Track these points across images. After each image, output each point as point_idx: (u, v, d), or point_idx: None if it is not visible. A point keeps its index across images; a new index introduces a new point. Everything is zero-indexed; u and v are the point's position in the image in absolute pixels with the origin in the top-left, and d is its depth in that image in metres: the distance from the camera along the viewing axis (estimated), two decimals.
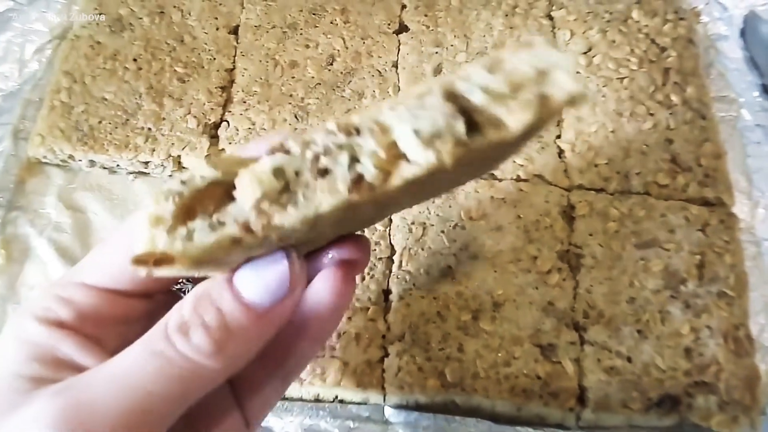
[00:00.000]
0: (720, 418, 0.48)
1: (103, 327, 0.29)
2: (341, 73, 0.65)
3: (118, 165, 0.61)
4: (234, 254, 0.24)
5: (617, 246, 0.53)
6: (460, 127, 0.21)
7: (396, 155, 0.22)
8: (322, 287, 0.30)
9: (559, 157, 0.58)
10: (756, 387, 0.49)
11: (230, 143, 0.60)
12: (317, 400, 0.51)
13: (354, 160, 0.22)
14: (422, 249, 0.55)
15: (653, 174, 0.56)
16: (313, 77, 0.64)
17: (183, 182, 0.23)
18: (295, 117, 0.62)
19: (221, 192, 0.23)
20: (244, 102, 0.63)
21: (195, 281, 0.27)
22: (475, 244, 0.55)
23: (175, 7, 0.68)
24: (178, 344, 0.24)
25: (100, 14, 0.67)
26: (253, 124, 0.61)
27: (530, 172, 0.58)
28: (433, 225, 0.56)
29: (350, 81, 0.64)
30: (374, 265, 0.54)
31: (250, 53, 0.66)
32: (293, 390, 0.50)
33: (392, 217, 0.57)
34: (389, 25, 0.67)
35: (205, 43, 0.66)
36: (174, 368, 0.24)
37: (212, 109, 0.62)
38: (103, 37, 0.66)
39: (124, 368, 0.24)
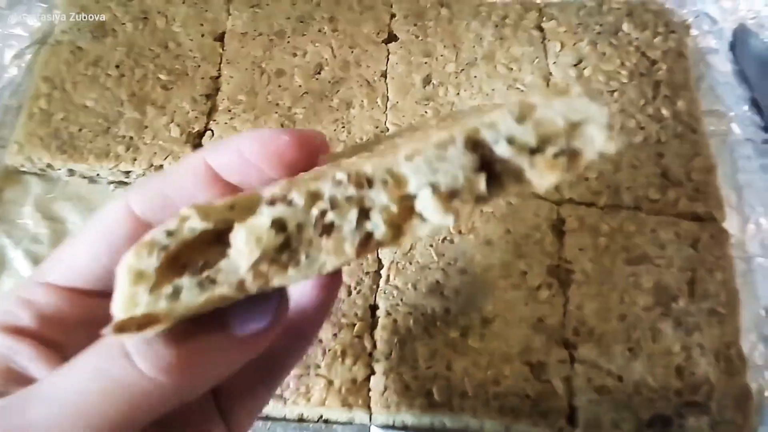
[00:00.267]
0: None
1: (68, 331, 0.26)
2: (329, 82, 0.63)
3: (98, 174, 0.60)
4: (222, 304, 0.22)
5: (608, 261, 0.53)
6: (482, 185, 0.20)
7: (409, 209, 0.20)
8: (308, 282, 0.28)
9: None
10: (747, 406, 0.48)
11: None
12: (301, 419, 0.50)
13: (362, 213, 0.20)
14: (410, 263, 0.54)
15: (644, 188, 0.56)
16: (300, 86, 0.63)
17: (170, 234, 0.20)
18: (282, 126, 0.61)
19: (211, 236, 0.21)
20: (230, 111, 0.61)
21: None
22: (464, 259, 0.54)
23: (159, 12, 0.66)
24: (131, 358, 0.21)
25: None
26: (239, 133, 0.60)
27: None
28: (421, 239, 0.55)
29: (338, 90, 0.63)
30: (361, 279, 0.53)
31: (236, 61, 0.64)
32: (276, 409, 0.49)
33: None
34: (378, 34, 0.66)
35: (190, 50, 0.65)
36: (124, 387, 0.21)
37: (196, 117, 0.61)
38: (84, 42, 0.64)
39: (64, 387, 0.21)
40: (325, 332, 0.50)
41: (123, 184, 0.61)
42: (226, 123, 0.61)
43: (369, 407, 0.49)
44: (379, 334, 0.50)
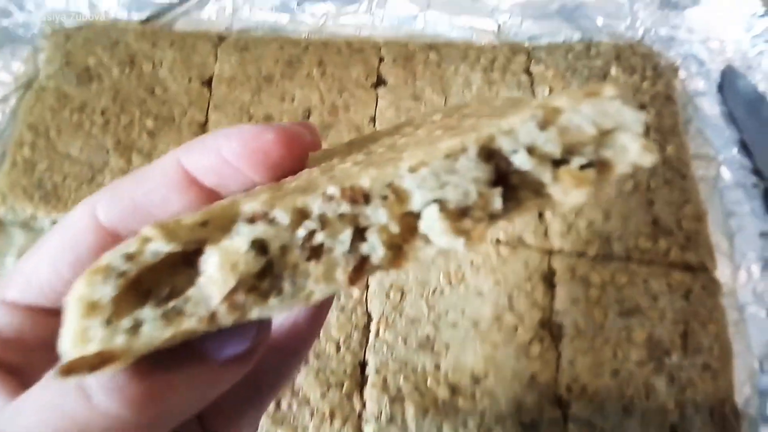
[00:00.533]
0: None
1: (28, 353, 0.23)
2: (318, 127, 0.63)
3: None
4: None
5: (599, 314, 0.52)
6: (497, 203, 0.17)
7: (411, 228, 0.17)
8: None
9: (540, 218, 0.57)
10: None
11: None
12: None
13: (357, 233, 0.17)
14: (400, 316, 0.53)
15: (634, 238, 0.55)
16: None
17: (129, 257, 0.17)
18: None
19: (180, 257, 0.18)
20: None
21: None
22: (455, 312, 0.53)
23: (146, 57, 0.66)
24: (88, 392, 0.18)
25: (67, 63, 0.65)
26: None
27: (510, 235, 0.56)
28: (411, 290, 0.54)
29: (327, 135, 0.62)
30: (350, 334, 0.52)
31: (224, 106, 0.64)
32: None
33: (369, 281, 0.55)
34: (367, 78, 0.66)
35: (177, 95, 0.64)
36: (81, 426, 0.18)
37: None
38: (70, 88, 0.63)
39: (15, 427, 0.18)
40: (314, 391, 0.50)
41: None
42: None
43: None
44: (369, 392, 0.49)
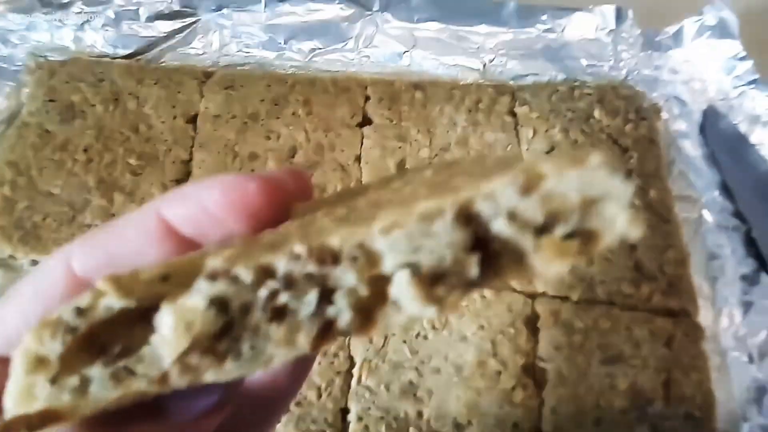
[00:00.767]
0: None
1: None
2: (303, 166, 0.63)
3: None
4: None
5: (583, 361, 0.52)
6: (474, 270, 0.16)
7: (382, 292, 0.17)
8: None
9: None
10: None
11: None
12: None
13: (325, 295, 0.17)
14: (383, 361, 0.53)
15: (617, 283, 0.55)
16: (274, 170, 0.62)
17: (80, 311, 0.16)
18: None
19: (136, 314, 0.17)
20: None
21: None
22: (438, 357, 0.52)
23: (130, 94, 0.66)
24: None
25: (51, 99, 0.65)
26: None
27: None
28: (394, 334, 0.54)
29: (312, 175, 0.62)
30: (332, 380, 0.52)
31: (209, 144, 0.64)
32: None
33: None
34: (352, 117, 0.66)
35: (161, 133, 0.64)
36: None
37: None
38: (52, 125, 0.63)
39: None
40: None
41: None
42: None
43: None
44: None
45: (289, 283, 0.17)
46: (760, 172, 0.64)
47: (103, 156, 0.62)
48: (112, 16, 0.72)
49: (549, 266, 0.16)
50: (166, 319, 0.16)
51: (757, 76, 0.69)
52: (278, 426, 0.49)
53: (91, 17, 0.71)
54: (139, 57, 0.71)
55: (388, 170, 0.62)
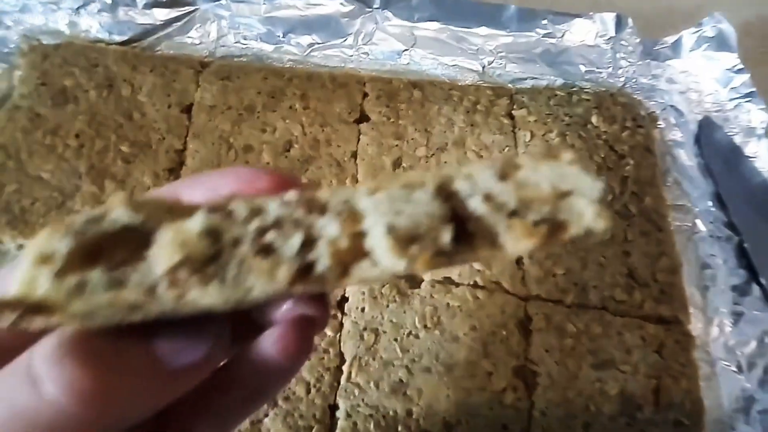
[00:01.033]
0: None
1: None
2: (298, 160, 0.62)
3: None
4: (136, 316, 0.19)
5: (573, 365, 0.52)
6: (446, 237, 0.18)
7: (359, 248, 0.18)
8: (273, 349, 0.24)
9: (518, 264, 0.57)
10: None
11: None
12: None
13: (307, 243, 0.18)
14: (373, 359, 0.52)
15: (610, 288, 0.55)
16: (268, 163, 0.62)
17: (90, 221, 0.18)
18: None
19: (140, 238, 0.19)
20: None
21: None
22: (429, 356, 0.52)
23: (125, 80, 0.65)
24: (38, 384, 0.18)
25: (43, 83, 0.63)
26: None
27: (488, 278, 0.56)
28: (386, 332, 0.53)
29: (307, 170, 0.62)
30: (321, 376, 0.51)
31: (203, 134, 0.63)
32: None
33: (343, 321, 0.54)
34: (350, 113, 0.65)
35: (155, 122, 0.63)
36: (29, 420, 0.18)
37: None
38: (44, 109, 0.62)
39: None
40: None
41: None
42: None
43: None
44: None
45: (278, 224, 0.18)
46: (753, 184, 0.65)
47: (94, 142, 0.60)
48: (109, 1, 0.71)
49: (517, 244, 0.18)
50: (163, 235, 0.18)
51: (753, 89, 0.69)
52: (266, 420, 0.49)
53: (87, 1, 0.70)
54: (134, 44, 0.70)
55: (384, 167, 0.62)
